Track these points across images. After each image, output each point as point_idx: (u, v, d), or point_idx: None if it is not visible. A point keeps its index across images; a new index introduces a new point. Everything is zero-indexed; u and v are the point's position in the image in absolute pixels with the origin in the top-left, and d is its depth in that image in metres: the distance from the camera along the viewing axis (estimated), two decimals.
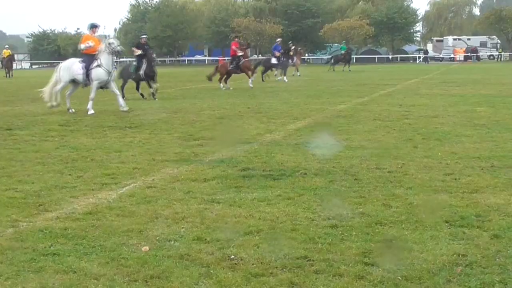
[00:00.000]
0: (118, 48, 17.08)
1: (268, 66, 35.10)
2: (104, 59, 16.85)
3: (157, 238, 5.47)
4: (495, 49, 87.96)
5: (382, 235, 5.48)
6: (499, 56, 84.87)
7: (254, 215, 6.18)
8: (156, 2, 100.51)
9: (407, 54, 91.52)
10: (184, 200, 6.84)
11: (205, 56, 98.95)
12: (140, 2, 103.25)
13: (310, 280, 4.46)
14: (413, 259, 4.84)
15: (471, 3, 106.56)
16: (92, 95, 16.94)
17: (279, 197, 6.93)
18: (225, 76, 27.65)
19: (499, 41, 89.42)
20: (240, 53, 27.75)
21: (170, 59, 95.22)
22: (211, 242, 5.32)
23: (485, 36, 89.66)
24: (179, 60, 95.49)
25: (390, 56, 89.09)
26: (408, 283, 4.39)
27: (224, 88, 27.00)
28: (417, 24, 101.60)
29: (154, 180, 7.91)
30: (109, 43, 17.14)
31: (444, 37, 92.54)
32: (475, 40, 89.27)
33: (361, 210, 6.34)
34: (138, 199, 6.93)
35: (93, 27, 17.70)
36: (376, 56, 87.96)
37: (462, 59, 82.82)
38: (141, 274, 4.59)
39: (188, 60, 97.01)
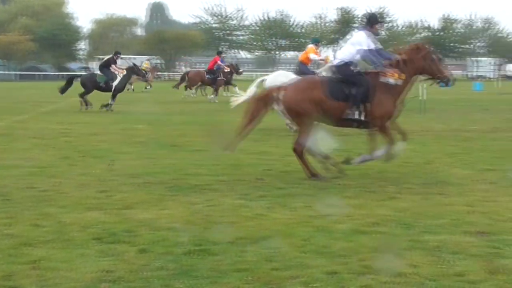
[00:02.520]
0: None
1: None
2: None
3: None
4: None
5: (29, 256, 5.27)
6: (161, 76, 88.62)
7: None
8: None
9: (71, 71, 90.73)
10: None
11: None
12: None
13: None
14: (60, 279, 4.72)
15: (133, 23, 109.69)
16: None
17: None
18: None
19: (163, 61, 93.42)
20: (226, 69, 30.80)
21: None
22: None
23: (148, 56, 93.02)
24: None
25: (54, 73, 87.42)
26: None
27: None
28: (82, 42, 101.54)
29: None
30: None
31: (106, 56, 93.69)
32: (139, 60, 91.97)
33: (9, 231, 6.04)
34: None
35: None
36: (40, 73, 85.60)
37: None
38: None
39: None
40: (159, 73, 33.39)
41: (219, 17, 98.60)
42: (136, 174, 9.38)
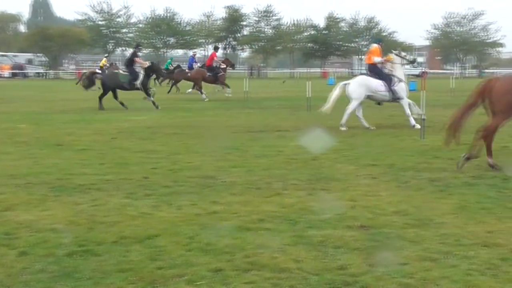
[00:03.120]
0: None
1: None
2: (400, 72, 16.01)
3: None
4: (41, 67, 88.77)
5: None
6: (46, 74, 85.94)
7: None
8: None
9: None
10: None
11: None
12: None
13: None
14: None
15: (16, 20, 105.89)
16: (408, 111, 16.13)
17: None
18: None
19: (46, 59, 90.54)
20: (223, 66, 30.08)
21: None
22: None
23: (32, 54, 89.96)
24: None
25: None
26: None
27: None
28: None
29: None
30: (404, 55, 16.91)
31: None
32: (22, 57, 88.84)
33: None
34: None
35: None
36: None
37: (9, 75, 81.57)
38: None
39: None
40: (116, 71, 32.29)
41: (105, 14, 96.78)
42: (17, 175, 9.05)
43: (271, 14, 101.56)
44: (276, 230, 6.05)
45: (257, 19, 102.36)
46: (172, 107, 24.26)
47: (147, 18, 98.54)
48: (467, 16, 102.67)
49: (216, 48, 33.57)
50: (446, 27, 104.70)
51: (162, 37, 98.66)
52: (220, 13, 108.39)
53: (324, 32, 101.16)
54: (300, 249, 5.40)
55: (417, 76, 55.66)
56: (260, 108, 23.41)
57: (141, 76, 22.95)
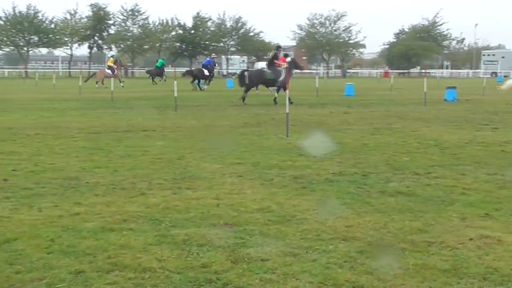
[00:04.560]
0: None
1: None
2: None
3: None
4: None
5: None
6: None
7: None
8: None
9: None
10: None
11: None
12: None
13: None
14: None
15: None
16: None
17: None
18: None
19: None
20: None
21: None
22: None
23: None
24: None
25: None
26: None
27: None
28: None
29: None
30: None
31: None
32: None
33: None
34: None
35: None
36: None
37: None
38: None
39: None
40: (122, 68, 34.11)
41: None
42: None
43: (138, 13, 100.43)
44: (140, 230, 5.99)
45: (123, 18, 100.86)
46: (35, 107, 23.42)
47: (8, 15, 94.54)
48: (330, 18, 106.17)
49: (278, 48, 28.61)
50: (310, 28, 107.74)
51: (24, 35, 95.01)
52: (85, 11, 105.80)
53: (191, 31, 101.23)
54: (164, 248, 5.38)
55: None
56: (127, 108, 23.08)
57: (283, 75, 25.14)
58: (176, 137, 13.59)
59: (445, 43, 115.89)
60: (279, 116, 16.56)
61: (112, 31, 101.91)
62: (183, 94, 21.12)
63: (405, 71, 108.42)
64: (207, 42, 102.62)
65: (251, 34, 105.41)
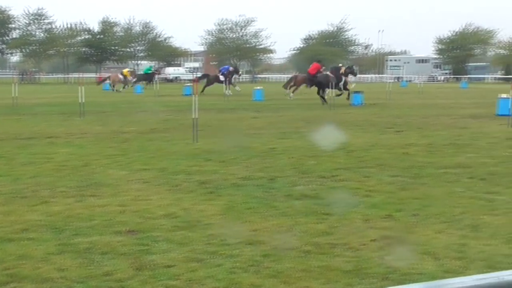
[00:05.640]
0: None
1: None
2: None
3: None
4: None
5: None
6: None
7: None
8: None
9: None
10: None
11: None
12: None
13: None
14: None
15: None
16: None
17: None
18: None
19: None
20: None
21: None
22: None
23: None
24: None
25: None
26: None
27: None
28: None
29: None
30: None
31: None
32: None
33: None
34: None
35: None
36: None
37: None
38: None
39: None
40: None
41: None
42: None
43: (43, 17, 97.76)
44: (41, 239, 5.82)
45: (27, 22, 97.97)
46: None
47: None
48: (239, 23, 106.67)
49: (319, 61, 35.17)
50: (219, 33, 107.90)
51: None
52: None
53: (99, 36, 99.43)
54: (65, 258, 5.24)
55: (192, 81, 57.05)
56: (31, 114, 22.40)
57: (343, 79, 29.67)
58: (81, 144, 13.30)
59: (352, 48, 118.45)
60: (188, 121, 16.43)
61: (15, 35, 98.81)
62: (90, 100, 20.66)
63: None
64: (115, 47, 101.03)
65: (160, 39, 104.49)
